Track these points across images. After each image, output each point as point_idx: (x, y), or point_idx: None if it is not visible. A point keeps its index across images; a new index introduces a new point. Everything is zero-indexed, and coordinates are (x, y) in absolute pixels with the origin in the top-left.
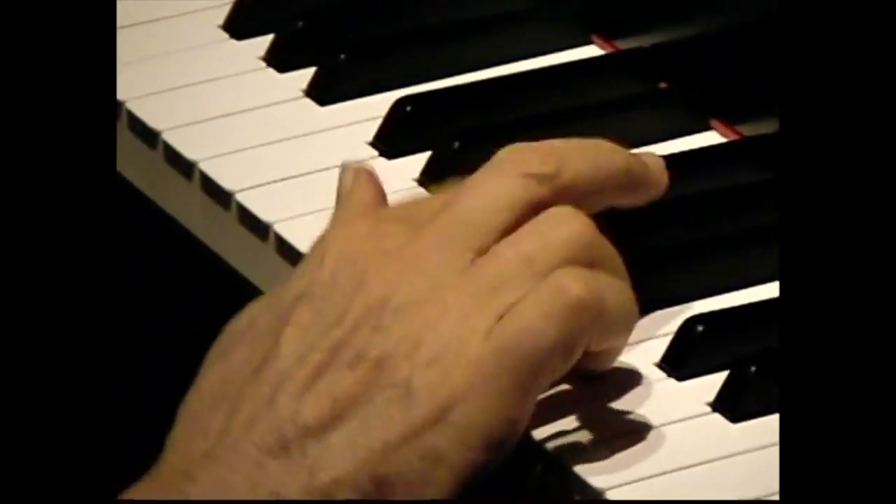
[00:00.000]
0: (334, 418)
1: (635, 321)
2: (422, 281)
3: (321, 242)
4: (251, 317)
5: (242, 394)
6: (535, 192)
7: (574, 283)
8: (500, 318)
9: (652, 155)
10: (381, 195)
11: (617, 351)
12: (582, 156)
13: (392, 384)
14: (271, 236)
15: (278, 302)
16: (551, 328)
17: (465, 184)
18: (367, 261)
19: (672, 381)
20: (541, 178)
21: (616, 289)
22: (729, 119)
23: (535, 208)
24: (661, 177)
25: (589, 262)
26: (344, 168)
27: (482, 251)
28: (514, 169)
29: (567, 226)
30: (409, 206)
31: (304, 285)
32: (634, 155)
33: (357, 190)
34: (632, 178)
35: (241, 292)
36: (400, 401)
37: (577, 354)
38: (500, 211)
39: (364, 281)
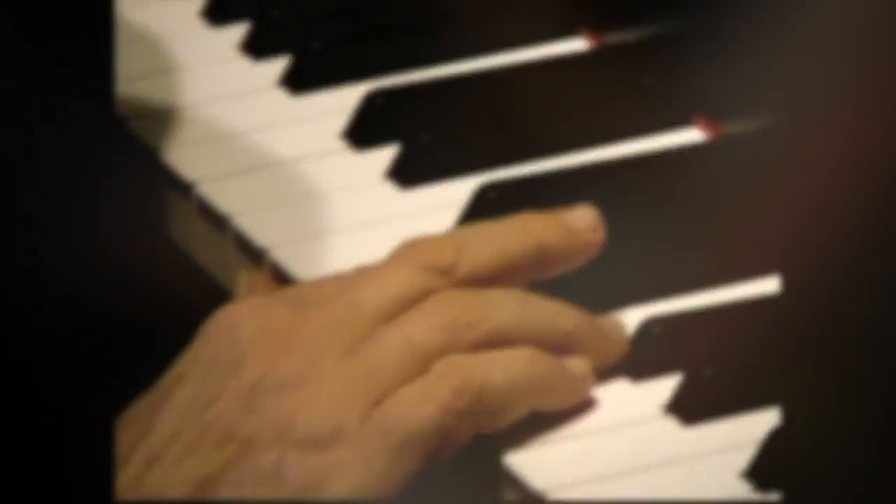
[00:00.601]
0: (200, 498)
1: (551, 381)
2: (299, 363)
3: (209, 322)
4: (138, 402)
5: (119, 473)
6: (431, 284)
7: (452, 372)
8: (376, 400)
9: (583, 214)
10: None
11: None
12: (484, 244)
13: (259, 464)
14: (230, 229)
15: (162, 382)
16: (433, 415)
17: (362, 272)
18: (248, 342)
19: (627, 382)
20: (437, 271)
21: (506, 364)
22: (712, 116)
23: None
24: (592, 238)
25: (473, 342)
26: (239, 275)
27: (367, 338)
28: (412, 261)
29: (448, 309)
30: (303, 289)
31: (186, 366)
32: (555, 225)
33: (251, 291)
34: (548, 255)
35: (202, 284)
36: (268, 482)
37: (462, 438)
38: (392, 300)
39: (242, 362)
